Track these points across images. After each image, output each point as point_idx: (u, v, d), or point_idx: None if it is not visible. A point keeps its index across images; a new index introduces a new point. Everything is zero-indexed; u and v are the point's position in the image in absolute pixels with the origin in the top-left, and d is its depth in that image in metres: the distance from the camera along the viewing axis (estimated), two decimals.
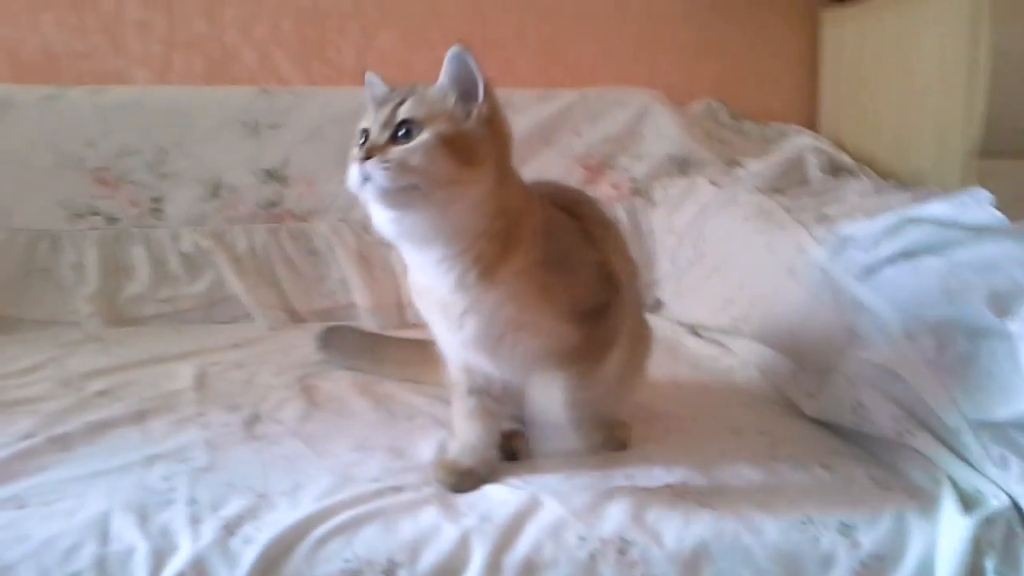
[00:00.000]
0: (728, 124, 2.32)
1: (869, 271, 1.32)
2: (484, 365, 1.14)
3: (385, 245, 1.95)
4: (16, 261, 1.93)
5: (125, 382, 1.53)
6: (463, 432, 1.18)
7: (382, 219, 1.01)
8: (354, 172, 0.98)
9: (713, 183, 2.04)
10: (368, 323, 1.97)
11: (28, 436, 1.27)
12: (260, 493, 1.09)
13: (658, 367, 1.62)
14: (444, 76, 1.03)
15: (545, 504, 1.08)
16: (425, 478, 1.14)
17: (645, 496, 1.11)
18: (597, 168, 2.14)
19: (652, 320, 1.92)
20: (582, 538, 1.04)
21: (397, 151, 0.97)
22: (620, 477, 1.17)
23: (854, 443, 1.28)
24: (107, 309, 1.93)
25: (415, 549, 1.01)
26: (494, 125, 1.04)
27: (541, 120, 2.13)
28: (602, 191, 2.13)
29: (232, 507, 1.06)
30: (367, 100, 1.08)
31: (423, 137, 0.98)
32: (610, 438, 1.25)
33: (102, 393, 1.48)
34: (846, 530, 1.06)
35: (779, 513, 1.08)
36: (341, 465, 1.19)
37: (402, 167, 0.96)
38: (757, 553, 1.04)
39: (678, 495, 1.12)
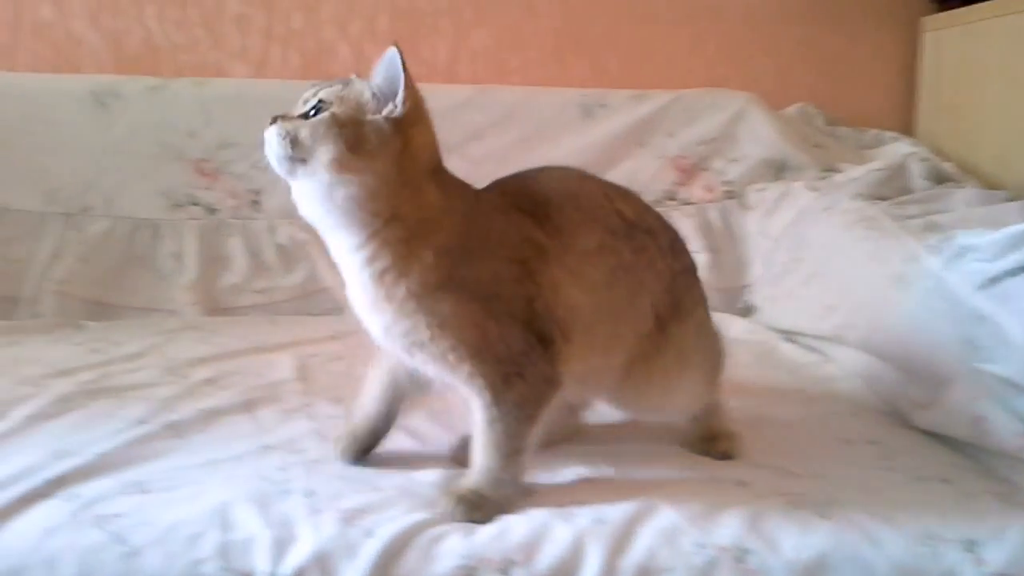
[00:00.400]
0: (823, 129, 2.27)
1: (992, 282, 1.28)
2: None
3: None
4: (118, 249, 1.98)
5: (229, 371, 1.55)
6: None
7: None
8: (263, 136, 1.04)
9: (811, 188, 2.00)
10: None
11: (142, 422, 1.29)
12: (374, 487, 1.10)
13: (754, 373, 1.63)
14: (374, 73, 1.05)
15: (659, 508, 1.07)
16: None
17: (760, 504, 1.09)
18: (690, 170, 2.12)
19: (742, 325, 1.93)
20: (699, 545, 1.02)
21: (293, 122, 1.02)
22: (731, 484, 1.15)
23: (970, 456, 1.25)
24: (205, 298, 1.95)
25: (530, 549, 1.01)
26: (406, 127, 1.03)
27: (634, 121, 2.12)
28: (695, 193, 2.12)
29: (349, 500, 1.06)
30: None
31: (320, 116, 1.01)
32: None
33: (209, 381, 1.50)
34: (971, 546, 1.04)
35: (900, 526, 1.06)
36: (448, 459, 1.19)
37: (293, 138, 1.02)
38: (878, 567, 1.02)
39: (793, 504, 1.10)
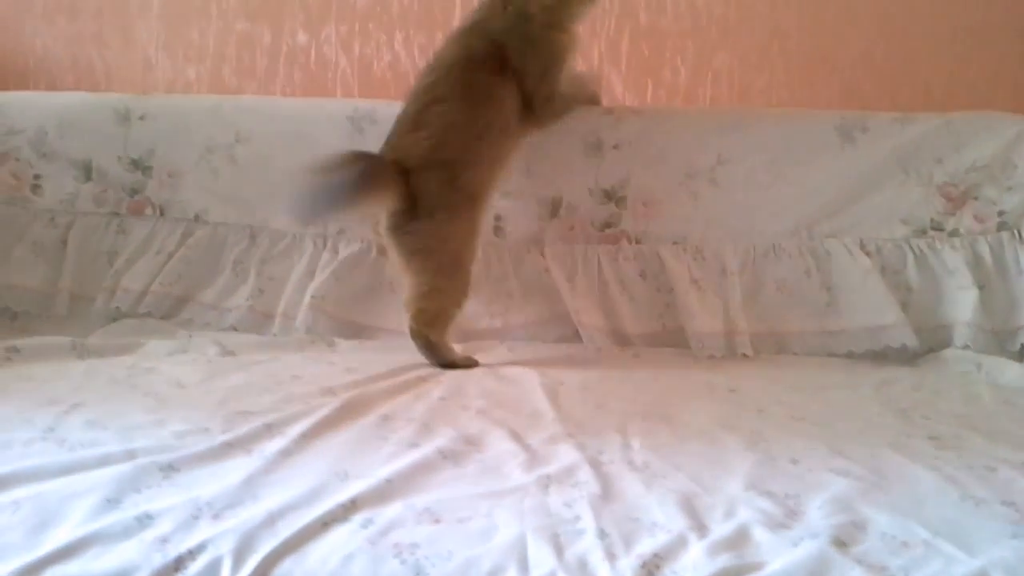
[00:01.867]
0: None
1: None
2: None
3: (719, 271, 1.94)
4: (367, 271, 2.02)
5: (475, 393, 1.57)
6: None
7: None
8: None
9: None
10: (696, 350, 1.90)
11: (413, 445, 1.29)
12: (668, 530, 1.04)
13: None
14: None
15: None
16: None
17: None
18: (959, 199, 1.96)
19: (1017, 370, 1.77)
20: None
21: None
22: None
23: None
24: None
25: None
26: None
27: (898, 145, 1.97)
28: (964, 224, 1.95)
29: (645, 544, 1.01)
30: None
31: None
32: None
33: (462, 407, 1.50)
34: None
35: None
36: (730, 503, 1.12)
37: None
38: None
39: None
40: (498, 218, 2.02)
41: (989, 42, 2.18)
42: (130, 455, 1.22)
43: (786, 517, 1.08)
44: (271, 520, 1.04)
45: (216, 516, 1.06)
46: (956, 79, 2.19)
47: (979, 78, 2.19)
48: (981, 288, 1.91)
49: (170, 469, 1.18)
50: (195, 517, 1.05)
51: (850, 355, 1.90)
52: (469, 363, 1.77)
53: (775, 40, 2.22)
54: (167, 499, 1.09)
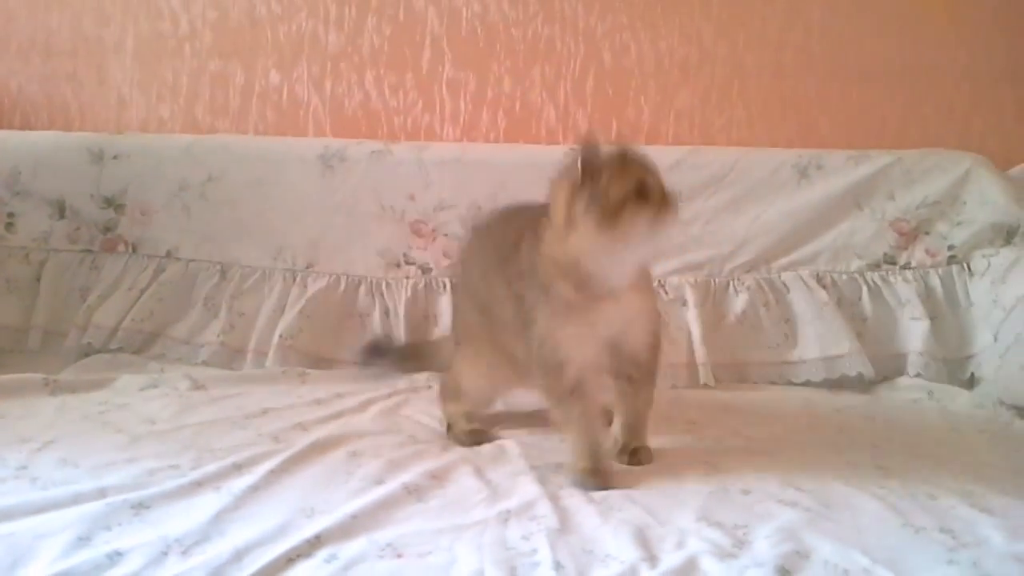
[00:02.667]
0: None
1: None
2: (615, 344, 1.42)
3: (681, 303, 1.99)
4: (337, 306, 2.06)
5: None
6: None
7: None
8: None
9: None
10: (658, 381, 1.93)
11: (379, 482, 1.32)
12: (620, 561, 1.08)
13: (993, 456, 1.52)
14: None
15: None
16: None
17: None
18: (911, 233, 2.03)
19: (966, 398, 1.84)
20: None
21: None
22: None
23: None
24: None
25: None
26: None
27: (853, 182, 2.04)
28: (916, 257, 2.03)
29: (598, 575, 1.05)
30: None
31: None
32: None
33: (429, 441, 1.55)
34: None
35: None
36: (682, 533, 1.16)
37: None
38: None
39: None
40: None
41: (939, 83, 2.26)
42: (101, 493, 1.25)
43: (734, 547, 1.12)
44: (238, 556, 1.07)
45: (184, 553, 1.09)
46: (908, 118, 2.26)
47: (930, 117, 2.26)
48: (932, 319, 1.98)
49: (140, 507, 1.21)
50: (164, 554, 1.08)
51: (808, 384, 1.96)
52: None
53: (735, 80, 2.29)
54: (137, 536, 1.12)
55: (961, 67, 2.25)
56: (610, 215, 1.28)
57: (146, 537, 1.12)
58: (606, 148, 1.31)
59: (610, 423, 1.50)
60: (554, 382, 1.39)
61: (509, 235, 1.49)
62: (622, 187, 1.28)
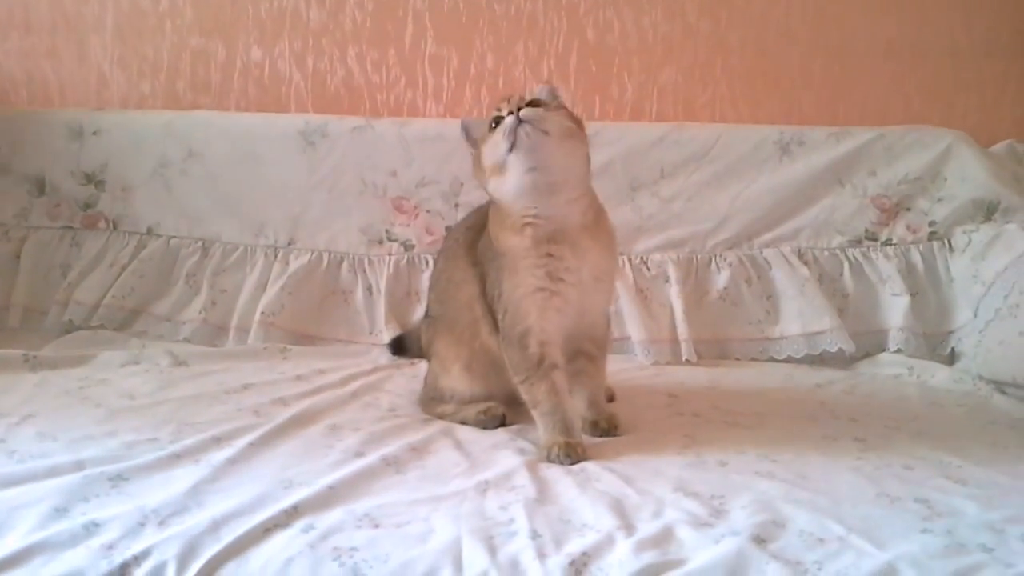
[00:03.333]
0: None
1: None
2: (574, 316, 1.42)
3: (663, 280, 1.99)
4: (319, 282, 2.05)
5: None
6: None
7: (524, 173, 1.34)
8: (511, 122, 1.32)
9: None
10: (642, 357, 1.95)
11: (359, 454, 1.33)
12: (597, 530, 1.09)
13: (971, 429, 1.54)
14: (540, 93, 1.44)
15: None
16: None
17: None
18: (892, 210, 2.04)
19: (947, 373, 1.85)
20: None
21: (544, 114, 1.35)
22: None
23: None
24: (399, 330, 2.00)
25: None
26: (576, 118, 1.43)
27: (834, 158, 2.05)
28: (897, 234, 2.04)
29: (575, 543, 1.05)
30: (473, 131, 1.45)
31: (557, 108, 1.41)
32: None
33: (411, 416, 1.55)
34: None
35: None
36: (658, 503, 1.17)
37: (545, 117, 1.34)
38: None
39: None
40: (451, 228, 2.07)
41: (922, 60, 2.26)
42: (79, 465, 1.25)
43: (710, 516, 1.13)
44: (215, 526, 1.07)
45: (161, 523, 1.09)
46: (891, 95, 2.27)
47: (912, 94, 2.27)
48: (913, 295, 1.99)
49: (118, 479, 1.21)
50: (141, 524, 1.08)
51: (789, 360, 1.97)
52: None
53: (718, 57, 2.29)
54: (114, 507, 1.12)
55: (943, 44, 2.26)
56: (483, 152, 1.40)
57: (123, 508, 1.12)
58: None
59: None
60: (520, 355, 1.39)
61: (473, 225, 1.53)
62: (484, 129, 1.40)
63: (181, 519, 1.10)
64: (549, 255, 1.37)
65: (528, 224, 1.37)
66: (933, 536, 1.08)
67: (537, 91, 1.45)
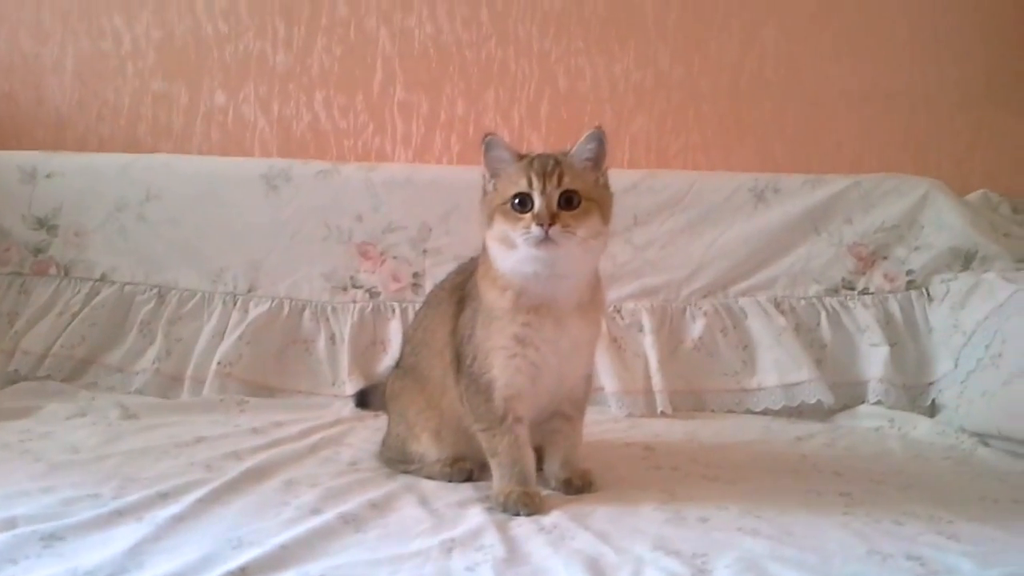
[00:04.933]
0: (1010, 217, 2.12)
1: None
2: (553, 382, 1.34)
3: (637, 329, 1.93)
4: (280, 331, 1.98)
5: None
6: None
7: (533, 267, 1.26)
8: (538, 233, 1.22)
9: (1008, 280, 1.85)
10: (616, 410, 1.89)
11: (315, 511, 1.24)
12: None
13: (958, 483, 1.48)
14: (583, 149, 1.30)
15: None
16: None
17: None
18: (869, 258, 2.00)
19: (928, 425, 1.79)
20: None
21: (574, 224, 1.24)
22: None
23: None
24: (362, 381, 1.92)
25: None
26: (607, 190, 1.32)
27: (810, 206, 2.02)
28: (875, 282, 2.00)
29: None
30: (495, 160, 1.32)
31: (588, 209, 1.26)
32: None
33: (373, 468, 1.47)
34: None
35: None
36: (637, 563, 1.09)
37: (576, 233, 1.24)
38: None
39: None
40: (417, 275, 2.01)
41: (895, 109, 2.25)
42: (10, 523, 1.15)
43: None
44: None
45: None
46: (864, 144, 2.25)
47: (886, 143, 2.25)
48: (892, 345, 1.94)
49: (52, 538, 1.12)
50: None
51: (767, 412, 1.90)
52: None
53: (691, 105, 2.26)
54: (44, 570, 1.03)
55: (917, 93, 2.25)
56: (495, 211, 1.28)
57: (54, 570, 1.03)
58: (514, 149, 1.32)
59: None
60: (483, 405, 1.31)
61: (460, 283, 1.43)
62: (508, 188, 1.27)
63: None
64: (526, 324, 1.29)
65: (513, 290, 1.29)
66: None
67: (579, 149, 1.31)
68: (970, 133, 2.26)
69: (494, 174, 1.32)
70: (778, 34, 2.24)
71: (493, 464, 1.31)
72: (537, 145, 2.25)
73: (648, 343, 1.95)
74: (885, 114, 2.25)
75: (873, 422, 1.85)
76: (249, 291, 2.01)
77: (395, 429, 1.48)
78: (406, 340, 1.59)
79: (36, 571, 1.03)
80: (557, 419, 1.40)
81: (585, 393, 1.44)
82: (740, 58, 2.25)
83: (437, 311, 1.45)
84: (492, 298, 1.31)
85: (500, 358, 1.30)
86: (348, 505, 1.26)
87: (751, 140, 2.26)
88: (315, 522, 1.19)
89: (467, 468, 1.42)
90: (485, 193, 1.32)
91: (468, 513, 1.26)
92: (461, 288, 1.41)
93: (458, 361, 1.36)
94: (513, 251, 1.26)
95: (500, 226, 1.26)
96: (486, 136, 1.32)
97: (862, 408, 1.90)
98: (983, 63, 2.24)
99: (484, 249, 1.33)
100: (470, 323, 1.34)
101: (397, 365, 1.57)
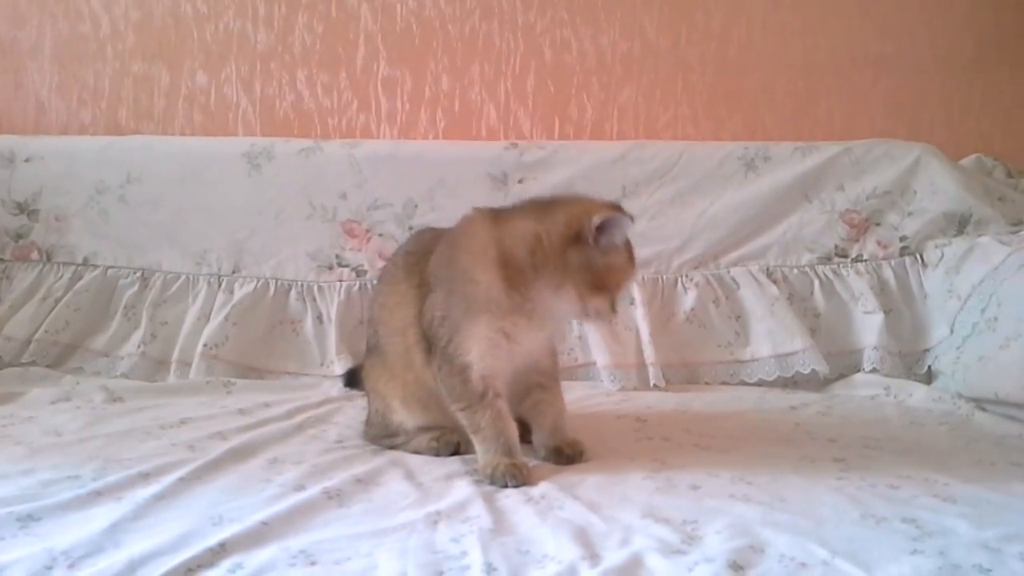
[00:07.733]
0: (1005, 181, 2.09)
1: None
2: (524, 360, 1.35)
3: (628, 302, 1.91)
4: (266, 312, 1.95)
5: None
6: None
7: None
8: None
9: (1003, 243, 1.82)
10: (608, 384, 1.86)
11: (299, 488, 1.21)
12: (559, 561, 0.98)
13: (955, 447, 1.45)
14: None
15: None
16: None
17: None
18: (862, 225, 1.98)
19: (925, 392, 1.77)
20: None
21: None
22: None
23: None
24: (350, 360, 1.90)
25: None
26: None
27: (801, 173, 1.99)
28: (868, 249, 1.97)
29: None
30: (618, 237, 1.29)
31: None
32: None
33: (359, 445, 1.45)
34: None
35: None
36: (626, 531, 1.07)
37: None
38: None
39: None
40: None
41: (886, 75, 2.22)
42: None
43: (683, 543, 1.03)
44: (131, 568, 0.95)
45: (72, 566, 0.97)
46: (855, 111, 2.22)
47: (877, 109, 2.22)
48: (887, 312, 1.92)
49: (29, 519, 1.09)
50: (48, 568, 0.96)
51: (761, 383, 1.88)
52: None
53: (679, 75, 2.23)
54: (20, 550, 1.00)
55: (908, 59, 2.22)
56: (587, 285, 1.27)
57: (30, 550, 1.00)
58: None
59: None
60: (462, 386, 1.30)
61: (414, 251, 1.43)
62: (610, 279, 1.29)
63: (94, 560, 0.98)
64: (515, 323, 1.30)
65: (519, 294, 1.29)
66: (925, 557, 0.99)
67: None
68: (962, 97, 2.23)
69: (605, 250, 1.27)
70: (766, 1, 2.21)
71: (476, 440, 1.30)
72: (524, 120, 2.23)
73: (639, 315, 1.92)
74: (876, 81, 2.22)
75: (869, 390, 1.83)
76: (234, 272, 1.98)
77: (373, 405, 1.47)
78: (368, 319, 1.58)
79: (12, 551, 1.00)
80: (535, 391, 1.39)
81: (552, 362, 1.43)
82: (727, 27, 2.21)
83: (395, 290, 1.43)
84: (485, 290, 1.28)
85: (482, 345, 1.29)
86: (332, 481, 1.24)
87: (741, 110, 2.23)
88: (298, 498, 1.16)
89: (454, 441, 1.39)
90: (583, 243, 1.26)
91: (455, 486, 1.24)
92: (419, 266, 1.38)
93: (427, 341, 1.34)
94: (571, 306, 1.29)
95: (584, 289, 1.27)
96: (628, 216, 1.29)
97: (857, 377, 1.88)
98: (973, 26, 2.20)
99: (475, 234, 1.31)
100: (442, 305, 1.31)
101: (367, 344, 1.55)
